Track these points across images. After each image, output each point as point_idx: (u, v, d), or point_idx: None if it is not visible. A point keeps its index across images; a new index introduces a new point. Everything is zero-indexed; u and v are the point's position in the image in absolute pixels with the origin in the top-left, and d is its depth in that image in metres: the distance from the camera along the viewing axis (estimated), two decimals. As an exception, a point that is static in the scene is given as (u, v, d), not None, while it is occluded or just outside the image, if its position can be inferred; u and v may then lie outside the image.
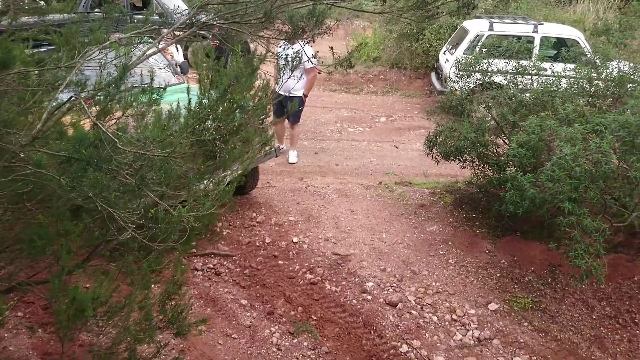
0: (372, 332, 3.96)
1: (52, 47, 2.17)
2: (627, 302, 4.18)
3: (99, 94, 1.45)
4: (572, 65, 5.41)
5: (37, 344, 3.43)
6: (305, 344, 3.81)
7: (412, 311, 4.18)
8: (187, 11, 1.99)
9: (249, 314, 4.07)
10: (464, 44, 8.99)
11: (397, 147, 7.88)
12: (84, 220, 1.71)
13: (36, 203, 1.50)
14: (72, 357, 3.40)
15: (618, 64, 5.16)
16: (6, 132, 1.74)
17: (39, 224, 1.55)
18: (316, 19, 1.92)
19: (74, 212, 1.70)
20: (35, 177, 1.38)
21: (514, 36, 8.27)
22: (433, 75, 10.28)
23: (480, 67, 5.45)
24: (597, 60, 5.04)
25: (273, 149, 5.17)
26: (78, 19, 2.02)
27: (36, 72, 1.80)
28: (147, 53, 1.78)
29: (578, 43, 8.54)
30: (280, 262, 4.71)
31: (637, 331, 3.97)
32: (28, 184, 1.36)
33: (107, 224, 1.92)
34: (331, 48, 2.66)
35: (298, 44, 3.21)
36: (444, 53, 9.78)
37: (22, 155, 1.34)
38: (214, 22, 1.87)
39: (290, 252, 4.86)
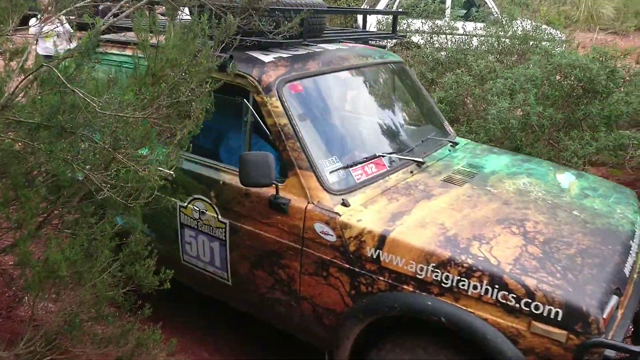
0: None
1: None
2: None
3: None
4: (482, 25, 5.78)
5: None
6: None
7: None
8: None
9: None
10: (382, 4, 9.21)
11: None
12: (38, 187, 1.72)
13: (-10, 172, 1.50)
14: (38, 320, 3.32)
15: (521, 23, 5.60)
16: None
17: (-5, 192, 1.55)
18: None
19: (27, 179, 1.71)
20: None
21: (427, -4, 8.58)
22: (352, 36, 10.45)
23: (400, 27, 5.68)
24: (504, 20, 5.44)
25: None
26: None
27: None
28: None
29: (486, 3, 9.03)
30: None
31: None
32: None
33: (58, 190, 1.95)
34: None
35: None
36: (362, 13, 9.96)
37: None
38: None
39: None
